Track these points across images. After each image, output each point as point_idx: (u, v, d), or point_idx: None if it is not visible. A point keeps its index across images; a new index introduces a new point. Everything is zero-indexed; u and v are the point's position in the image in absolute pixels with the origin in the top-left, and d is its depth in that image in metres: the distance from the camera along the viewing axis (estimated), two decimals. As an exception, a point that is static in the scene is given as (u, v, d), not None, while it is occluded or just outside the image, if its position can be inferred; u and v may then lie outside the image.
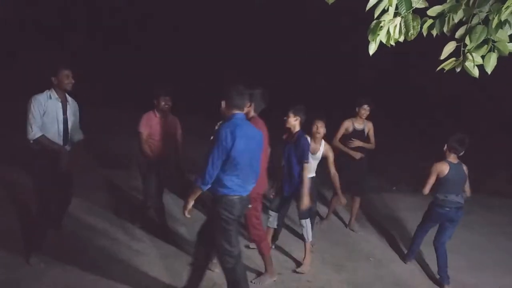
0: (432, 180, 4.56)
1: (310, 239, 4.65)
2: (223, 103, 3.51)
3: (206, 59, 11.49)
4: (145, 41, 12.09)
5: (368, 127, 5.56)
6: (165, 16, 12.25)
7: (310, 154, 4.56)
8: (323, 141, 4.82)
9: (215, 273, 4.19)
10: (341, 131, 5.49)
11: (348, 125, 5.49)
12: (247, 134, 3.40)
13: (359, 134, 5.51)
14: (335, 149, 5.08)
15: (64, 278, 3.96)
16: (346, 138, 5.50)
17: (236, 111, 3.46)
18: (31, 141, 3.92)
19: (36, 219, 4.16)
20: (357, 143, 5.47)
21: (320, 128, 4.70)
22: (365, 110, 5.43)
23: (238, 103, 3.46)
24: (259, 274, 4.40)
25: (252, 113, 4.13)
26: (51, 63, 4.19)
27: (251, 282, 4.09)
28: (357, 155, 5.44)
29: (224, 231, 3.45)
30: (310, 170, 4.61)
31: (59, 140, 4.05)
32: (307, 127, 4.66)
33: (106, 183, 6.35)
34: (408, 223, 6.00)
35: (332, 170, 4.85)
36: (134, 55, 11.44)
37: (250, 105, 4.05)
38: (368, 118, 5.53)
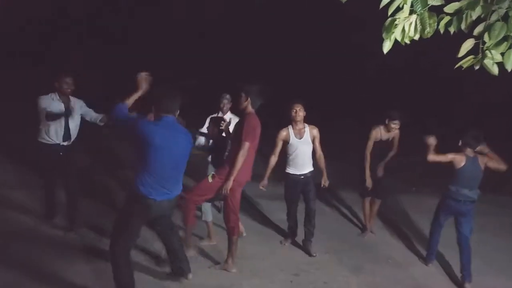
0: (443, 158, 4.53)
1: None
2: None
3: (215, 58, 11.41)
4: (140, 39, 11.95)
5: (394, 135, 5.40)
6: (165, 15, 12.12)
7: (296, 140, 4.83)
8: (305, 124, 4.91)
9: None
10: (372, 140, 5.34)
11: (376, 135, 5.36)
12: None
13: (384, 143, 5.40)
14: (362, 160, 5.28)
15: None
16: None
17: (165, 115, 3.45)
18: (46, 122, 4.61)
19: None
20: (380, 170, 5.37)
21: (299, 111, 4.82)
22: (395, 125, 5.29)
23: (167, 107, 3.46)
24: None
25: (249, 109, 4.27)
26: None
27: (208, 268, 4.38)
28: (369, 183, 5.33)
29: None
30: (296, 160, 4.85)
31: (60, 136, 4.65)
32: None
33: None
34: (428, 225, 5.84)
35: (319, 151, 4.97)
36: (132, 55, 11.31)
37: (247, 100, 4.22)
38: None
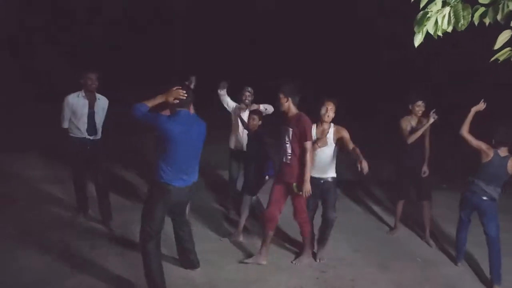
0: (473, 140, 4.44)
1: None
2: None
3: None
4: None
5: (425, 123, 5.04)
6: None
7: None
8: (332, 124, 4.52)
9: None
10: (405, 131, 5.08)
11: (405, 124, 5.12)
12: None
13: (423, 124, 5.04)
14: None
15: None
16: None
17: (180, 109, 3.66)
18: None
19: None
20: (425, 171, 5.15)
21: (330, 111, 4.45)
22: (419, 106, 5.04)
23: (182, 102, 3.65)
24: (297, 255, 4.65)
25: (293, 109, 4.26)
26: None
27: (291, 262, 4.52)
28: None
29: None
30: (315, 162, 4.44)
31: (84, 129, 4.87)
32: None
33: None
34: (459, 223, 5.73)
35: (350, 148, 4.37)
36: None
37: (288, 100, 4.21)
38: (422, 115, 5.12)
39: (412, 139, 5.03)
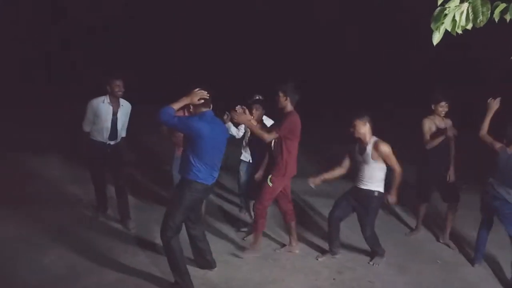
0: (491, 141, 4.41)
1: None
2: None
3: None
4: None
5: (448, 126, 4.95)
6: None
7: (358, 155, 4.45)
8: (373, 139, 4.38)
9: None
10: (427, 133, 4.93)
11: (428, 125, 4.96)
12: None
13: (443, 133, 4.88)
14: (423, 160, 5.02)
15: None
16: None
17: (206, 109, 3.82)
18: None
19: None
20: (451, 174, 5.03)
21: (356, 128, 4.38)
22: (443, 107, 4.91)
23: (206, 102, 3.80)
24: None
25: (289, 107, 4.39)
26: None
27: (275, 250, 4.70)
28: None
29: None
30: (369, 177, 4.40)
31: (106, 135, 4.89)
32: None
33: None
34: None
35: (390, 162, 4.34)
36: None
37: (286, 99, 4.35)
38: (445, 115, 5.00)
39: (430, 145, 4.91)
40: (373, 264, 4.61)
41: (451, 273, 4.59)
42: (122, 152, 5.13)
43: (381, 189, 4.43)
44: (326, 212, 5.36)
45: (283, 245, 4.84)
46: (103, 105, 4.86)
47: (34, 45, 10.61)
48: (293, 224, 4.73)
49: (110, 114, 4.88)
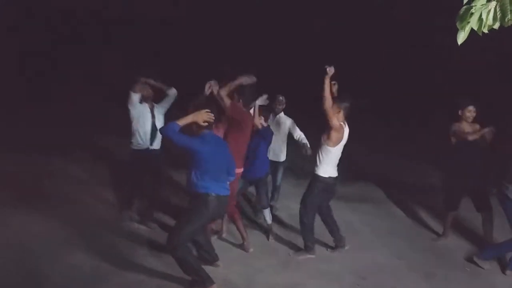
0: None
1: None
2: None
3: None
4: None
5: (479, 129, 4.81)
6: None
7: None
8: None
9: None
10: (455, 133, 4.83)
11: (457, 128, 4.85)
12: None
13: (473, 142, 4.76)
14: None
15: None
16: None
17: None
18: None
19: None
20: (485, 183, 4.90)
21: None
22: (470, 112, 4.79)
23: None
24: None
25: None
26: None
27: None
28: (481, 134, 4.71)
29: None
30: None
31: (148, 139, 4.88)
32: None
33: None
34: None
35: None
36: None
37: (239, 101, 4.47)
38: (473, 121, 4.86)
39: (471, 137, 4.72)
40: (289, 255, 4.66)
41: (480, 281, 4.44)
42: (160, 156, 5.12)
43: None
44: (346, 215, 5.30)
45: (299, 249, 4.78)
46: (142, 107, 4.87)
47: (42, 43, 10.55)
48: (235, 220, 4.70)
49: (149, 116, 4.90)
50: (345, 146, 4.56)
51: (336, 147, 4.42)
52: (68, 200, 5.54)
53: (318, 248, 4.83)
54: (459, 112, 4.87)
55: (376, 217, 5.83)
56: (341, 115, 4.41)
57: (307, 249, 4.66)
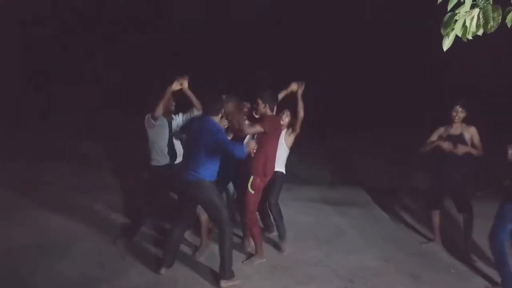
0: None
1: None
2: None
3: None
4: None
5: (470, 133, 4.82)
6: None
7: None
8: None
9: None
10: (435, 134, 4.95)
11: (440, 130, 4.93)
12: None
13: (456, 141, 4.83)
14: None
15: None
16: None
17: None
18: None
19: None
20: (461, 149, 4.77)
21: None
22: (456, 112, 4.79)
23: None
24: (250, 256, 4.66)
25: (268, 112, 4.51)
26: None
27: (242, 263, 4.55)
28: (454, 149, 4.77)
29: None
30: None
31: (167, 154, 4.69)
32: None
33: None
34: (495, 233, 5.48)
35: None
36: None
37: (265, 106, 4.49)
38: (469, 122, 4.88)
39: (420, 150, 4.97)
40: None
41: (464, 283, 4.49)
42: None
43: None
44: (335, 219, 5.32)
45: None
46: (159, 121, 4.62)
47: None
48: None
49: (167, 131, 4.68)
50: (334, 151, 4.62)
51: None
52: (59, 208, 5.46)
53: (306, 253, 4.85)
54: (451, 113, 4.88)
55: (363, 221, 5.90)
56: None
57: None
